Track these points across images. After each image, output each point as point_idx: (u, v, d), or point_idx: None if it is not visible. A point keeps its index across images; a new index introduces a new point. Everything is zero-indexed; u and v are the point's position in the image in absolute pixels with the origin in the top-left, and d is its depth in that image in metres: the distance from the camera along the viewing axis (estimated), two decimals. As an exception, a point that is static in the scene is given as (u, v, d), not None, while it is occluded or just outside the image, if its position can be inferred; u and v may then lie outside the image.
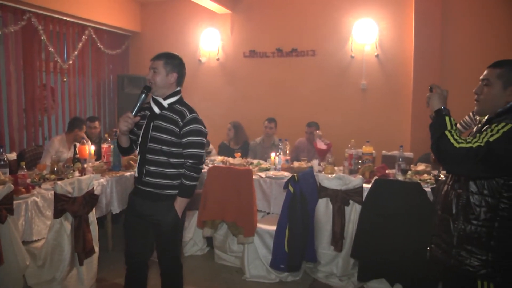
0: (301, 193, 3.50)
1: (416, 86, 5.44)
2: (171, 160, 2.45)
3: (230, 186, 3.75)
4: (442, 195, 1.98)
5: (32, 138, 5.61)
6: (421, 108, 5.36)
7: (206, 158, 4.83)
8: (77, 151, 3.98)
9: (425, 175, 3.93)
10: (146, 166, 2.46)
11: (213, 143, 5.57)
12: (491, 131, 1.72)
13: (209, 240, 4.22)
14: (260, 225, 3.77)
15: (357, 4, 5.80)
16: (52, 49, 5.68)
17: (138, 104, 2.41)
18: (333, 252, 3.59)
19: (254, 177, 3.94)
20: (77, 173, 3.72)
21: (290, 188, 3.48)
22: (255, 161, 4.78)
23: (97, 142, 4.89)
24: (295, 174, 3.54)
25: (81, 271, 3.12)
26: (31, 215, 3.10)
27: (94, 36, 6.42)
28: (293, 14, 6.21)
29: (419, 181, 3.66)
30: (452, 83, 5.26)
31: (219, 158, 4.91)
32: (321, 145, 5.09)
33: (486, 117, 1.89)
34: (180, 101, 2.53)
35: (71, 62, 6.06)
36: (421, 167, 4.15)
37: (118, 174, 4.04)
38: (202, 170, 4.33)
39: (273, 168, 4.47)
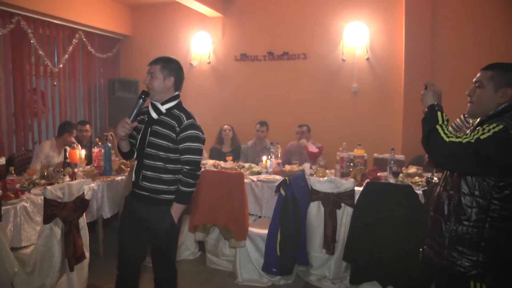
0: (293, 196, 3.50)
1: (407, 89, 5.48)
2: (168, 165, 2.43)
3: (222, 190, 3.74)
4: (434, 196, 2.00)
5: (22, 143, 5.55)
6: (412, 110, 5.43)
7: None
8: (67, 155, 3.94)
9: (417, 177, 3.96)
10: (143, 171, 2.45)
11: (204, 147, 5.53)
12: (483, 130, 1.74)
13: (201, 244, 4.20)
14: (252, 229, 3.76)
15: (348, 8, 5.83)
16: (42, 53, 5.63)
17: (136, 110, 2.40)
18: (325, 255, 3.59)
19: (245, 180, 3.93)
20: (67, 178, 3.68)
21: (282, 192, 3.48)
22: (246, 165, 4.77)
23: (88, 147, 4.85)
24: (286, 178, 3.54)
25: (71, 277, 3.08)
26: (20, 220, 3.06)
27: (84, 39, 6.39)
28: (284, 18, 6.23)
29: (410, 183, 3.68)
30: (443, 85, 5.24)
31: (211, 162, 4.89)
32: (312, 148, 5.11)
33: (478, 119, 1.91)
34: (178, 106, 2.51)
35: (61, 65, 6.01)
36: (412, 169, 4.18)
37: (109, 179, 4.01)
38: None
39: (264, 172, 4.47)
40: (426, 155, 2.25)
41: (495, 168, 1.73)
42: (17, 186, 3.36)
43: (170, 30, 6.93)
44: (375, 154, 5.14)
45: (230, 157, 4.85)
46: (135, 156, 2.54)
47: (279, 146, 4.67)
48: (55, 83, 6.01)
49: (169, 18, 6.94)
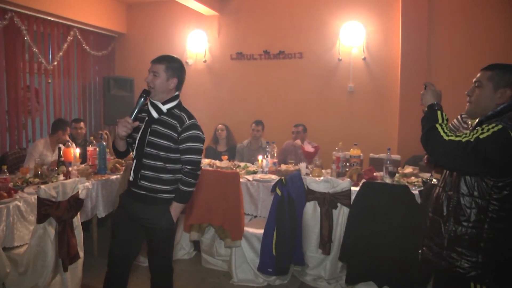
0: (289, 196, 3.48)
1: (403, 88, 5.48)
2: (168, 165, 2.42)
3: (217, 189, 3.72)
4: (433, 197, 2.01)
5: (15, 141, 5.50)
6: (409, 110, 5.44)
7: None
8: (62, 154, 3.90)
9: (413, 177, 3.96)
10: (142, 171, 2.43)
11: (201, 146, 5.51)
12: (482, 129, 1.75)
13: (196, 244, 4.18)
14: (248, 229, 3.74)
15: (345, 7, 5.82)
16: (36, 50, 5.58)
17: (137, 109, 2.37)
18: (321, 255, 3.58)
19: (241, 180, 3.91)
20: (61, 177, 3.65)
21: (278, 191, 3.46)
22: (242, 164, 4.75)
23: (83, 145, 4.81)
24: (282, 177, 3.52)
25: (65, 277, 3.05)
26: (13, 220, 3.01)
27: (79, 37, 6.34)
28: (280, 17, 6.21)
29: (406, 183, 3.68)
30: (439, 85, 5.23)
31: (206, 161, 4.86)
32: (308, 148, 5.10)
33: (477, 120, 1.92)
34: (179, 106, 2.49)
35: (56, 63, 5.96)
36: (408, 169, 4.18)
37: (104, 178, 3.97)
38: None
39: (260, 171, 4.45)
40: (425, 155, 2.24)
41: (493, 168, 1.73)
42: (10, 185, 3.31)
43: (166, 28, 6.90)
44: (371, 154, 5.13)
45: (226, 157, 4.83)
46: (133, 155, 2.50)
47: (275, 145, 4.65)
48: (50, 81, 5.95)
49: (165, 16, 6.91)
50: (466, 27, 5.28)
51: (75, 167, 3.95)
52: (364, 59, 5.77)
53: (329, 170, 4.34)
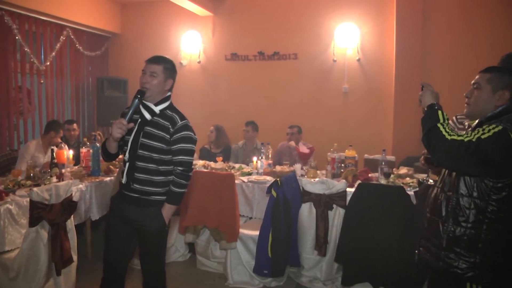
0: (284, 197, 3.47)
1: (398, 90, 5.50)
2: (161, 167, 2.40)
3: (212, 191, 3.70)
4: (431, 197, 2.00)
5: (7, 143, 5.43)
6: (403, 111, 5.45)
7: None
8: (54, 155, 3.86)
9: (408, 178, 3.96)
10: (135, 174, 2.40)
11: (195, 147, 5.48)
12: (483, 130, 1.75)
13: (191, 246, 4.15)
14: (243, 230, 3.72)
15: (339, 8, 5.83)
16: (28, 50, 5.52)
17: (131, 110, 2.33)
18: (317, 257, 3.57)
19: (236, 181, 3.88)
20: (54, 179, 3.60)
21: (273, 193, 3.45)
22: (237, 165, 4.73)
23: (76, 146, 4.76)
24: (278, 179, 3.51)
25: (58, 281, 3.00)
26: (4, 223, 2.97)
27: (72, 36, 6.29)
28: (275, 18, 6.21)
29: (402, 184, 3.68)
30: (433, 86, 5.32)
31: (201, 162, 4.84)
32: (303, 149, 5.09)
33: (477, 121, 1.92)
34: (171, 107, 2.48)
35: (48, 63, 5.90)
36: (403, 170, 4.18)
37: (97, 179, 3.94)
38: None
39: (255, 172, 4.43)
40: (422, 156, 2.24)
41: (493, 168, 1.74)
42: (1, 187, 3.27)
43: (160, 28, 6.86)
44: (365, 155, 5.14)
45: (220, 158, 4.80)
46: (125, 158, 2.46)
47: (269, 146, 4.63)
48: (42, 81, 5.90)
49: (159, 17, 6.87)
50: (461, 28, 5.31)
51: (68, 169, 3.91)
52: (358, 60, 5.78)
53: (324, 171, 4.33)
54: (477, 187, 1.79)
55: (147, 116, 2.40)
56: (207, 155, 5.39)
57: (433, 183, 2.15)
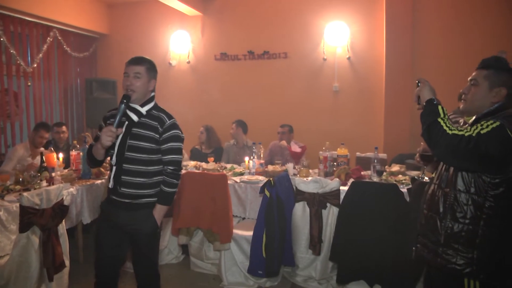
0: (278, 197, 3.46)
1: (388, 88, 5.51)
2: (150, 168, 2.38)
3: (205, 192, 3.67)
4: (428, 194, 2.00)
5: (-6, 146, 5.35)
6: (394, 109, 5.48)
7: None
8: (44, 159, 3.79)
9: (400, 176, 3.97)
10: (123, 177, 2.37)
11: (185, 148, 5.44)
12: (481, 125, 1.76)
13: (184, 248, 4.12)
14: (236, 231, 3.70)
15: (329, 7, 5.82)
16: (14, 52, 5.42)
17: (119, 116, 2.28)
18: (311, 256, 3.57)
19: (228, 182, 3.86)
20: (44, 183, 3.54)
21: (266, 193, 3.44)
22: (228, 166, 4.71)
23: (66, 149, 4.69)
24: (271, 179, 3.49)
25: (50, 287, 2.94)
26: (-6, 230, 2.92)
27: (60, 38, 6.20)
28: (264, 17, 6.19)
29: (394, 182, 3.69)
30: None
31: (192, 163, 4.80)
32: (295, 148, 5.08)
33: (473, 118, 1.93)
34: (156, 107, 2.47)
35: (35, 65, 5.81)
36: (395, 168, 4.19)
37: (88, 183, 3.88)
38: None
39: (247, 172, 4.41)
40: (417, 154, 2.24)
41: (491, 164, 1.75)
42: (-10, 192, 3.21)
43: (149, 28, 6.80)
44: (357, 153, 5.15)
45: (212, 158, 4.78)
46: (112, 162, 2.40)
47: (261, 146, 4.62)
48: (29, 84, 5.79)
49: (148, 17, 6.81)
50: (450, 26, 5.33)
51: (59, 173, 3.85)
52: (348, 58, 5.78)
53: (316, 170, 4.33)
54: (475, 183, 1.81)
55: (134, 118, 2.38)
56: (198, 155, 5.36)
57: (428, 181, 2.15)
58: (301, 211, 3.58)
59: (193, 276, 3.84)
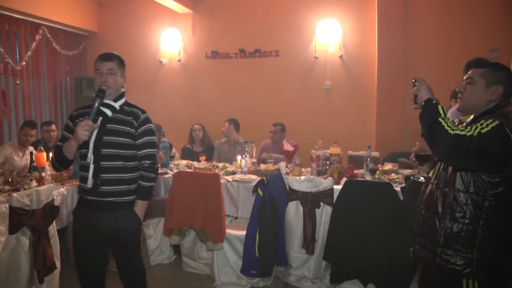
0: (271, 196, 3.44)
1: (380, 86, 5.53)
2: (128, 164, 2.37)
3: (197, 191, 3.64)
4: (426, 194, 1.99)
5: (-18, 146, 5.24)
6: (386, 108, 5.49)
7: (170, 162, 4.70)
8: (33, 158, 3.73)
9: (393, 174, 3.98)
10: (101, 175, 2.31)
11: (176, 147, 5.42)
12: (481, 125, 1.75)
13: (176, 248, 4.08)
14: (229, 231, 3.68)
15: (321, 5, 5.82)
16: (2, 49, 5.32)
17: (94, 111, 2.24)
18: (305, 255, 3.56)
19: (221, 181, 3.84)
20: (34, 183, 3.48)
21: (259, 192, 3.42)
22: (220, 165, 4.68)
23: (55, 149, 4.63)
24: (264, 178, 3.48)
25: (41, 289, 2.90)
26: (-18, 231, 2.85)
27: (49, 35, 6.10)
28: (256, 14, 6.16)
29: (387, 180, 3.69)
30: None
31: (184, 162, 4.77)
32: (287, 146, 5.07)
33: (472, 117, 1.92)
34: (127, 102, 2.46)
35: (24, 63, 5.70)
36: (388, 166, 4.20)
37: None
38: (167, 176, 4.28)
39: (239, 171, 4.39)
40: (412, 154, 2.23)
41: (491, 163, 1.74)
42: (-22, 193, 3.14)
43: (139, 26, 6.73)
44: (349, 152, 5.14)
45: (203, 157, 4.74)
46: (89, 160, 2.30)
47: (253, 145, 4.60)
48: (18, 82, 5.69)
49: (138, 14, 6.74)
50: (443, 24, 5.36)
51: (49, 172, 3.79)
52: (340, 57, 5.78)
53: (309, 169, 4.32)
54: (474, 182, 1.80)
55: (109, 113, 2.35)
56: (189, 154, 5.32)
57: (424, 180, 2.15)
58: (294, 210, 3.57)
59: (186, 276, 3.82)
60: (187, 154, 5.37)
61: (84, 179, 2.35)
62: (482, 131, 1.72)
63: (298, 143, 5.22)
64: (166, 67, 6.66)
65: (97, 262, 2.46)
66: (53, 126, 4.91)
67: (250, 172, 4.30)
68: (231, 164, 4.78)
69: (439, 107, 1.83)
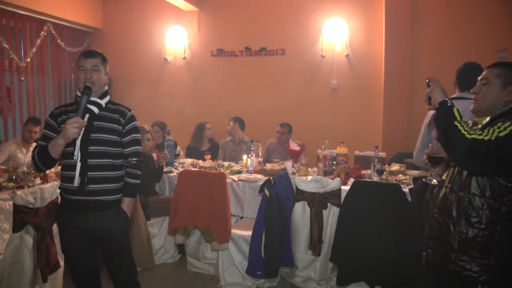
0: (277, 196, 3.40)
1: (387, 85, 5.47)
2: (115, 161, 2.35)
3: (202, 190, 3.61)
4: (439, 198, 1.93)
5: (-14, 142, 5.23)
6: (393, 107, 5.44)
7: (174, 160, 4.67)
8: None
9: (400, 175, 3.92)
10: (89, 173, 2.26)
11: (181, 145, 5.38)
12: (498, 128, 1.69)
13: (181, 247, 4.05)
14: (235, 231, 3.63)
15: (328, 3, 5.76)
16: (7, 46, 5.29)
17: (82, 108, 2.19)
18: (311, 257, 3.51)
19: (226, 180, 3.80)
20: (38, 180, 3.46)
21: (266, 192, 3.38)
22: (226, 164, 4.64)
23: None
24: (271, 177, 3.43)
25: (44, 288, 2.87)
26: (-15, 229, 2.83)
27: (53, 32, 6.06)
28: (262, 12, 6.11)
29: (395, 181, 3.64)
30: (423, 82, 5.27)
31: (189, 161, 4.74)
32: (294, 146, 5.02)
33: (488, 119, 1.85)
34: (110, 100, 2.44)
35: (29, 59, 5.67)
36: (395, 167, 4.14)
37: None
38: (172, 174, 4.25)
39: (245, 171, 4.35)
40: (425, 156, 2.17)
41: (509, 167, 1.69)
42: (-18, 190, 3.12)
43: (144, 23, 6.68)
44: (356, 152, 5.10)
45: (209, 156, 4.70)
46: (76, 158, 2.24)
47: (259, 144, 4.55)
48: (22, 78, 5.66)
49: (143, 11, 6.70)
50: (449, 23, 5.30)
51: (53, 169, 3.75)
52: (347, 55, 5.73)
53: (315, 169, 4.27)
54: (490, 186, 1.74)
55: (96, 110, 2.31)
56: (194, 153, 5.28)
57: (436, 183, 2.09)
58: (301, 211, 3.52)
59: (190, 276, 3.78)
60: (192, 152, 5.34)
61: (69, 179, 2.27)
62: (500, 134, 1.66)
63: (304, 142, 5.18)
64: (171, 65, 6.61)
65: (89, 263, 2.41)
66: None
67: (256, 171, 4.26)
68: (236, 163, 4.74)
69: (455, 109, 1.76)
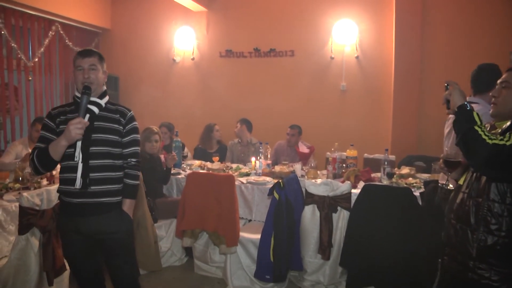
0: (287, 199, 3.34)
1: (397, 87, 5.40)
2: (116, 162, 2.32)
3: (211, 193, 3.56)
4: (456, 203, 1.86)
5: (-7, 142, 5.22)
6: (402, 110, 5.37)
7: (182, 162, 4.63)
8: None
9: (410, 178, 3.86)
10: (91, 174, 2.21)
11: (188, 146, 5.34)
12: None
13: (188, 250, 4.00)
14: (243, 234, 3.58)
15: (337, 5, 5.71)
16: (15, 45, 5.29)
17: (82, 108, 2.14)
18: (320, 260, 3.45)
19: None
20: (44, 181, 3.42)
21: (276, 195, 3.31)
22: (234, 166, 4.59)
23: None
24: (280, 180, 3.38)
25: (50, 292, 2.83)
26: (-9, 230, 2.79)
27: (61, 32, 6.05)
28: (271, 13, 6.06)
29: (405, 185, 3.58)
30: (432, 85, 5.26)
31: (197, 162, 4.70)
32: (303, 148, 4.97)
33: (509, 123, 1.78)
34: (109, 100, 2.40)
35: (36, 59, 5.66)
36: (405, 170, 4.08)
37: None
38: (179, 176, 4.21)
39: (253, 173, 4.29)
40: (441, 160, 2.11)
41: None
42: (-12, 191, 3.08)
43: (152, 24, 6.67)
44: (365, 154, 5.03)
45: (217, 157, 4.66)
46: (77, 159, 2.19)
47: (268, 146, 4.50)
48: (30, 78, 5.66)
49: (151, 12, 6.68)
50: (460, 26, 5.23)
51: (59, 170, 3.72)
52: (357, 57, 5.67)
53: (324, 172, 4.21)
54: (511, 192, 1.67)
55: (96, 110, 2.28)
56: (202, 154, 5.24)
57: (453, 188, 2.02)
58: (310, 214, 3.46)
59: (197, 280, 3.73)
60: (200, 154, 5.29)
61: (69, 181, 2.21)
62: None
63: (312, 144, 5.12)
64: (180, 66, 6.59)
65: (92, 265, 2.38)
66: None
67: (264, 174, 4.21)
68: (244, 165, 4.70)
69: (474, 113, 1.70)
